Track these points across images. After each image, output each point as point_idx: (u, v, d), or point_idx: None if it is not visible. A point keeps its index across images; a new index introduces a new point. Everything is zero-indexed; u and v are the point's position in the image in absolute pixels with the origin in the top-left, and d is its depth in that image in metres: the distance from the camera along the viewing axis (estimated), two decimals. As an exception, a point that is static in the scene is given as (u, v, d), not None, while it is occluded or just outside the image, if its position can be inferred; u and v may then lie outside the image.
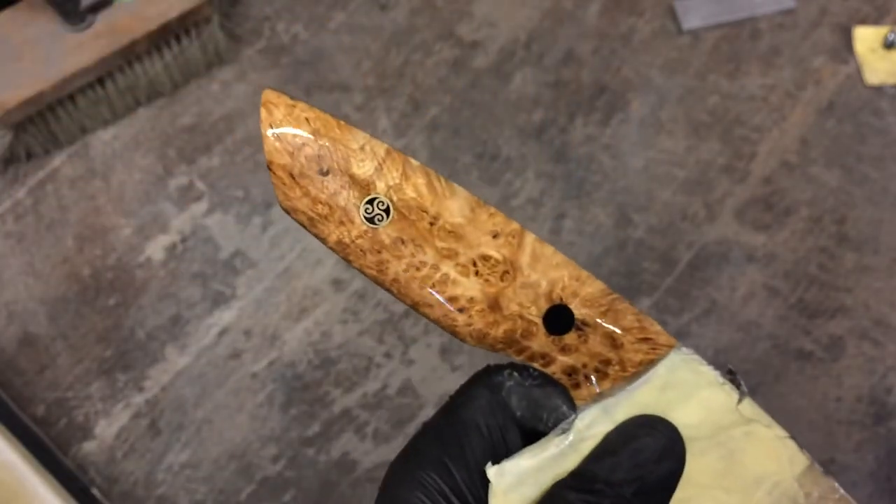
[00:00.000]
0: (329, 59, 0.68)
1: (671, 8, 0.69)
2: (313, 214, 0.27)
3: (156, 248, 0.62)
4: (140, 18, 0.62)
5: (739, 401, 0.27)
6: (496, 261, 0.27)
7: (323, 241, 0.27)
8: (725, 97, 0.66)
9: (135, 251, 0.62)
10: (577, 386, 0.28)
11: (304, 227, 0.28)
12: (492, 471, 0.26)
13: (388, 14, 0.70)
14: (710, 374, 0.27)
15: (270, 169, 0.27)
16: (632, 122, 0.65)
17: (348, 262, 0.28)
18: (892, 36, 0.65)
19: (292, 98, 0.27)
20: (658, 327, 0.28)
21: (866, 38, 0.67)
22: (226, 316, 0.60)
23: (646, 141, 0.64)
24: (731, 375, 0.27)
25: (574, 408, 0.27)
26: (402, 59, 0.68)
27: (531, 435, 0.28)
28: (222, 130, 0.66)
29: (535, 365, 0.28)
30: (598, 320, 0.28)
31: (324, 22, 0.70)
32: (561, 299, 0.28)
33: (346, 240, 0.27)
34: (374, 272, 0.27)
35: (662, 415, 0.26)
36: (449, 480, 0.26)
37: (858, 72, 0.66)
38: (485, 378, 0.28)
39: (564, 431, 0.27)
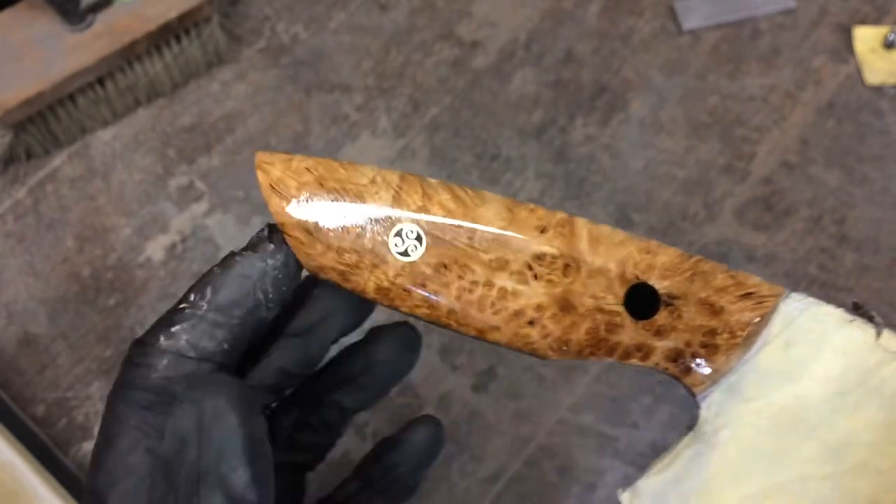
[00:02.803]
0: (329, 59, 0.68)
1: (671, 8, 0.69)
2: (342, 267, 0.25)
3: (156, 248, 0.62)
4: (140, 18, 0.62)
5: (878, 334, 0.23)
6: (553, 256, 0.24)
7: (362, 293, 0.25)
8: (725, 97, 0.66)
9: (135, 251, 0.62)
10: (687, 371, 0.24)
11: (339, 284, 0.25)
12: (625, 496, 0.23)
13: (388, 14, 0.70)
14: (835, 313, 0.23)
15: (284, 231, 0.25)
16: (632, 122, 0.65)
17: (396, 308, 0.25)
18: (892, 36, 0.65)
19: (287, 153, 0.26)
20: (756, 279, 0.24)
21: (866, 38, 0.67)
22: (226, 316, 0.60)
23: (646, 141, 0.64)
24: (859, 309, 0.23)
25: (693, 397, 0.24)
26: (402, 59, 0.68)
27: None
28: (222, 130, 0.66)
29: (634, 361, 0.24)
30: (687, 290, 0.24)
31: (324, 22, 0.70)
32: (637, 278, 0.24)
33: (386, 283, 0.24)
34: (425, 310, 0.25)
35: (795, 375, 0.23)
36: None
37: (858, 72, 0.66)
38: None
39: (691, 428, 0.24)
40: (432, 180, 0.25)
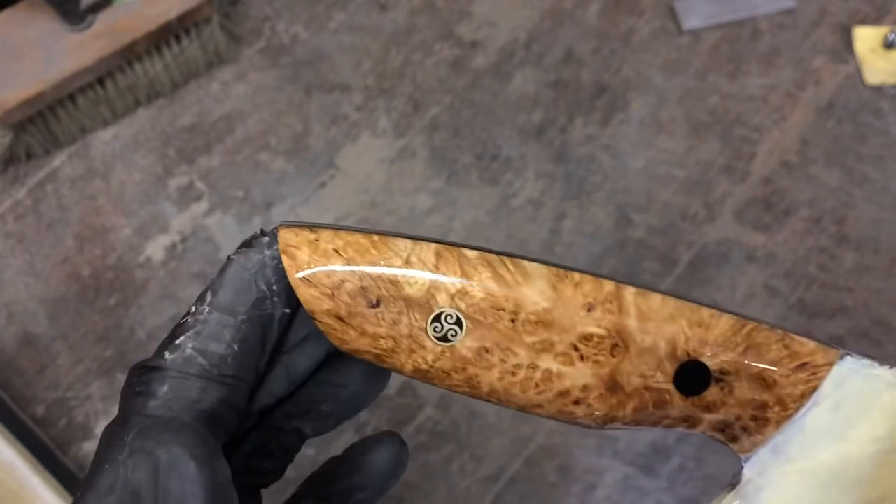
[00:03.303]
0: (329, 59, 0.68)
1: (671, 8, 0.69)
2: (378, 351, 0.23)
3: (156, 248, 0.62)
4: (140, 18, 0.62)
5: None
6: (600, 337, 0.23)
7: (399, 372, 0.24)
8: (725, 97, 0.66)
9: (135, 251, 0.62)
10: (734, 440, 0.24)
11: (375, 363, 0.24)
12: None
13: (388, 14, 0.70)
14: (887, 374, 0.23)
15: (314, 318, 0.23)
16: (632, 122, 0.65)
17: (434, 385, 0.24)
18: (892, 36, 0.65)
19: (312, 228, 0.24)
20: (812, 345, 0.23)
21: (866, 38, 0.66)
22: (226, 316, 0.60)
23: (646, 141, 0.64)
24: None
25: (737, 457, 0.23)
26: (402, 59, 0.68)
27: None
28: (222, 130, 0.66)
29: (680, 428, 0.24)
30: (739, 365, 0.23)
31: (324, 22, 0.70)
32: (688, 354, 0.23)
33: (424, 366, 0.23)
34: (465, 389, 0.24)
35: (842, 436, 0.23)
36: None
37: (858, 72, 0.66)
38: None
39: (734, 487, 0.23)
40: (470, 253, 0.23)
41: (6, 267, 0.62)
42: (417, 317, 0.23)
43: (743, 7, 0.68)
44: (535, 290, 0.23)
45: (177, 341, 0.23)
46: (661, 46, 0.68)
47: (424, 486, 0.55)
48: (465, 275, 0.23)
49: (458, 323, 0.23)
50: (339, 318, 0.23)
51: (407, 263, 0.23)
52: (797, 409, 0.23)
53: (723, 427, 0.23)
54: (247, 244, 0.24)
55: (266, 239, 0.24)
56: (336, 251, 0.23)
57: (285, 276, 0.24)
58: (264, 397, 0.26)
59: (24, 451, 0.53)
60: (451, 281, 0.23)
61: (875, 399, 0.23)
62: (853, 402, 0.23)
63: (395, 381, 0.58)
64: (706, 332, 0.23)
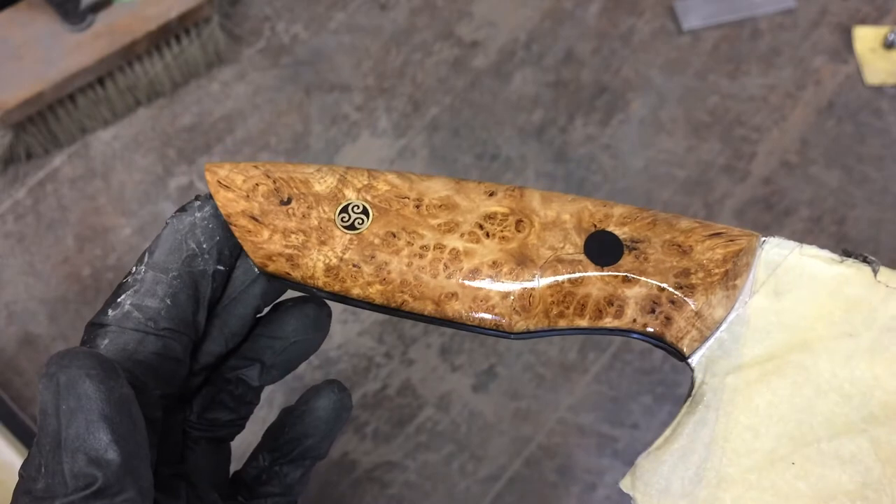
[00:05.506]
0: (329, 59, 0.68)
1: (671, 8, 0.69)
2: (290, 251, 0.25)
3: (156, 248, 0.62)
4: (140, 18, 0.62)
5: (875, 272, 0.21)
6: (504, 214, 0.24)
7: (311, 280, 0.25)
8: (725, 97, 0.66)
9: (135, 251, 0.62)
10: (668, 322, 0.22)
11: (287, 279, 0.25)
12: (625, 481, 0.21)
13: (388, 14, 0.70)
14: (821, 253, 0.21)
15: (230, 222, 0.25)
16: (632, 122, 0.65)
17: (347, 294, 0.25)
18: (892, 36, 0.65)
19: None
20: (723, 225, 0.23)
21: (866, 38, 0.67)
22: (226, 316, 0.60)
23: (646, 141, 0.64)
24: (849, 254, 0.21)
25: (683, 358, 0.22)
26: (402, 59, 0.68)
27: None
28: (222, 130, 0.66)
29: (609, 320, 0.22)
30: (651, 233, 0.23)
31: (324, 22, 0.70)
32: (595, 227, 0.23)
33: (334, 260, 0.24)
34: (378, 287, 0.24)
35: (793, 324, 0.20)
36: None
37: (858, 72, 0.66)
38: None
39: (690, 396, 0.21)
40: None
41: (6, 267, 0.62)
42: (326, 209, 0.25)
43: (743, 7, 0.68)
44: (437, 184, 0.25)
45: (118, 299, 0.25)
46: (661, 46, 0.68)
47: (424, 486, 0.55)
48: (371, 175, 0.25)
49: (365, 212, 0.24)
50: (254, 218, 0.25)
51: (318, 171, 0.25)
52: (724, 274, 0.21)
53: (651, 306, 0.22)
54: (181, 209, 0.27)
55: (198, 203, 0.26)
56: (255, 166, 0.26)
57: (214, 235, 0.26)
58: (204, 355, 0.28)
59: (24, 451, 0.53)
60: (358, 179, 0.25)
61: (817, 281, 0.21)
62: (794, 288, 0.21)
63: (394, 381, 0.58)
64: (611, 209, 0.23)
